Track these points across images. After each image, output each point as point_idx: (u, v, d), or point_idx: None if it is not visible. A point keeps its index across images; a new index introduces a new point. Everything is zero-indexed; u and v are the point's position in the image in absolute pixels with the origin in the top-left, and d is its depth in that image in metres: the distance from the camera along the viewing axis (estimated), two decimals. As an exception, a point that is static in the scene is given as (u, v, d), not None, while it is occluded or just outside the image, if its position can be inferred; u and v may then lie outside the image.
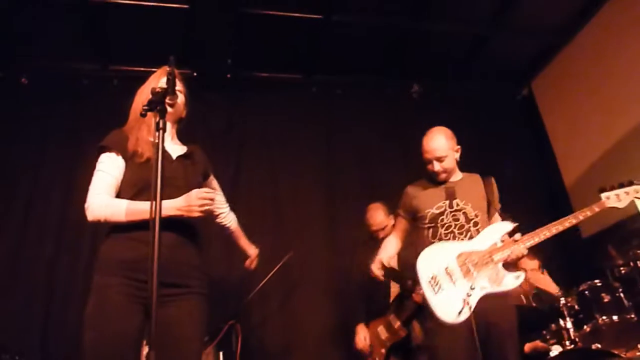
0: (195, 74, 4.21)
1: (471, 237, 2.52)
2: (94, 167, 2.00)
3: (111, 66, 4.25)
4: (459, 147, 2.73)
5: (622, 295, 2.91)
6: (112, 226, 1.93)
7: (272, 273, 3.37)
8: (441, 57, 4.67)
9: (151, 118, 1.60)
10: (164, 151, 2.05)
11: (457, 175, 2.74)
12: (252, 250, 2.61)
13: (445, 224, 2.57)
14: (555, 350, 2.82)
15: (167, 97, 1.65)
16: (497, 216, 2.66)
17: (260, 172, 4.27)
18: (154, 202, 1.56)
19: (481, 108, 4.94)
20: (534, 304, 3.24)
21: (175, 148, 2.13)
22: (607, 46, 4.13)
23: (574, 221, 2.61)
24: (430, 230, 2.59)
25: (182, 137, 2.21)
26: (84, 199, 1.93)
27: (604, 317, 2.82)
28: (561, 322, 2.88)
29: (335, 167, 4.45)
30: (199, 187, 2.03)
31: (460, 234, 2.54)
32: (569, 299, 2.93)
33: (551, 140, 4.82)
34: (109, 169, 1.98)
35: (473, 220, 2.56)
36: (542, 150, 4.89)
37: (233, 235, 2.55)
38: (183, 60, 3.97)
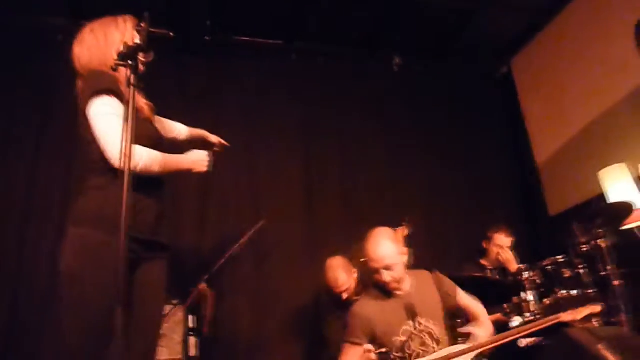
0: (172, 34, 4.10)
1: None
2: (81, 110, 1.87)
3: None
4: (406, 249, 2.53)
5: (582, 271, 3.03)
6: (102, 179, 1.85)
7: (244, 240, 3.37)
8: (424, 32, 4.63)
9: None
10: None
11: (407, 281, 2.51)
12: (209, 136, 2.53)
13: (414, 350, 2.37)
14: (516, 321, 2.93)
15: (142, 54, 1.60)
16: (463, 295, 2.55)
17: (236, 140, 4.19)
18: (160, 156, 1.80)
19: (460, 84, 4.97)
20: (497, 277, 3.34)
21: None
22: (588, 27, 4.15)
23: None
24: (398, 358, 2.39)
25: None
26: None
27: (564, 291, 2.94)
28: (523, 295, 2.99)
29: (313, 136, 4.42)
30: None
31: (425, 353, 2.37)
32: (532, 274, 3.04)
33: (526, 119, 4.88)
34: (120, 115, 1.82)
35: (437, 339, 2.40)
36: (516, 129, 4.95)
37: (192, 138, 2.49)
38: (160, 20, 3.88)
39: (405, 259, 2.49)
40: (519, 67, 5.06)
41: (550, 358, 1.57)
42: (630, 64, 3.74)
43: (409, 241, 3.18)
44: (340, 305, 3.26)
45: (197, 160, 2.08)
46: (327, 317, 3.41)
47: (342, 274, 3.31)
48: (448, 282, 2.55)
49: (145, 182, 1.82)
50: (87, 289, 1.74)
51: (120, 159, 1.44)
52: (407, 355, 2.36)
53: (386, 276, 2.41)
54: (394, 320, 2.41)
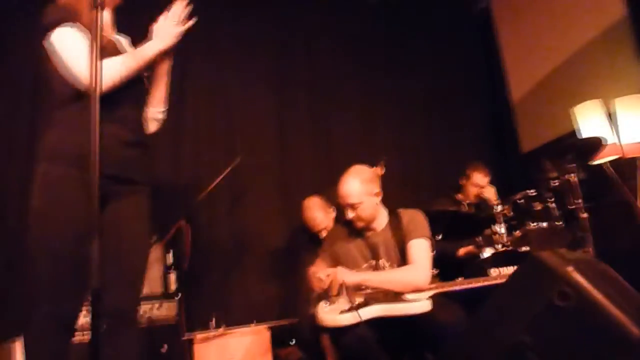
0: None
1: None
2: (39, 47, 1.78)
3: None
4: (378, 191, 2.43)
5: (552, 204, 3.12)
6: (62, 112, 1.79)
7: (221, 177, 3.37)
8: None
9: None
10: (116, 41, 1.95)
11: (382, 221, 2.46)
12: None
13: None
14: (487, 252, 3.03)
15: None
16: (414, 245, 2.35)
17: (208, 74, 4.10)
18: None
19: (438, 18, 4.87)
20: (471, 212, 3.42)
21: (121, 39, 1.99)
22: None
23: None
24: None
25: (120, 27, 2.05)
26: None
27: (534, 224, 3.04)
28: (495, 227, 3.08)
29: (286, 72, 4.33)
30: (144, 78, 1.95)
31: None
32: (505, 207, 3.12)
33: (503, 56, 4.85)
34: (82, 39, 1.73)
35: None
36: (493, 65, 4.92)
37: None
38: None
39: (376, 200, 2.43)
40: (498, 1, 4.96)
41: (519, 281, 1.62)
42: (606, 2, 3.71)
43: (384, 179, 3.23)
44: (318, 244, 3.31)
45: (164, 35, 1.84)
46: (305, 255, 3.47)
47: (319, 213, 3.36)
48: (416, 226, 2.40)
49: (112, 106, 1.71)
50: (51, 223, 1.70)
51: (89, 78, 1.34)
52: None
53: (349, 214, 2.40)
54: (357, 256, 2.44)
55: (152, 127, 2.03)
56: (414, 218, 2.42)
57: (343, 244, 2.48)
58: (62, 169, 1.72)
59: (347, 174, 2.44)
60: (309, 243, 3.45)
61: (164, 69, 1.97)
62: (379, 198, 2.45)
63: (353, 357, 2.26)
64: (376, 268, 2.39)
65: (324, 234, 3.35)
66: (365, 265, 2.41)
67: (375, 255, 2.41)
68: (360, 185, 2.37)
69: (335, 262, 2.45)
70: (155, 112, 2.01)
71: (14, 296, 3.10)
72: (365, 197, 2.37)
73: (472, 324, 1.76)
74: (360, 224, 2.43)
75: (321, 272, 2.31)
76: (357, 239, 2.47)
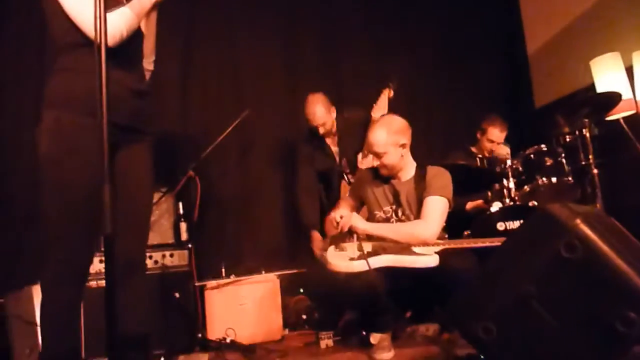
0: None
1: None
2: None
3: None
4: (405, 142, 2.52)
5: (563, 160, 3.09)
6: (69, 57, 1.78)
7: (230, 128, 3.35)
8: None
9: None
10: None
11: (408, 172, 2.59)
12: None
13: None
14: (495, 206, 3.03)
15: None
16: (429, 201, 2.46)
17: (216, 28, 4.03)
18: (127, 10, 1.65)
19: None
20: (485, 165, 3.39)
21: None
22: None
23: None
24: None
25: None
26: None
27: (544, 179, 3.03)
28: (505, 182, 3.06)
29: (297, 20, 4.23)
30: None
31: None
32: (515, 162, 3.10)
33: (521, 6, 4.70)
34: None
35: None
36: (510, 16, 4.77)
37: None
38: None
39: (402, 151, 2.52)
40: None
41: (527, 232, 1.64)
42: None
43: (393, 103, 3.41)
44: (316, 140, 3.49)
45: None
46: (302, 146, 3.62)
47: (320, 109, 3.40)
48: (437, 184, 2.50)
49: (118, 56, 1.69)
50: (65, 171, 1.72)
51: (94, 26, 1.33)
52: None
53: (374, 161, 2.58)
54: (380, 198, 2.62)
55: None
56: (439, 176, 2.54)
57: (369, 186, 2.66)
58: (75, 115, 1.72)
59: (377, 122, 2.61)
60: (307, 143, 3.58)
61: (152, 20, 1.96)
62: (406, 149, 2.57)
63: (362, 304, 2.38)
64: (395, 213, 2.56)
65: (321, 130, 3.42)
66: (386, 207, 2.58)
67: (397, 202, 2.56)
68: (387, 136, 2.48)
69: (360, 202, 2.71)
70: (146, 63, 2.02)
71: (30, 243, 3.17)
72: (391, 148, 2.49)
73: (479, 275, 1.79)
74: (384, 172, 2.58)
75: (337, 213, 2.46)
76: (383, 184, 2.62)
